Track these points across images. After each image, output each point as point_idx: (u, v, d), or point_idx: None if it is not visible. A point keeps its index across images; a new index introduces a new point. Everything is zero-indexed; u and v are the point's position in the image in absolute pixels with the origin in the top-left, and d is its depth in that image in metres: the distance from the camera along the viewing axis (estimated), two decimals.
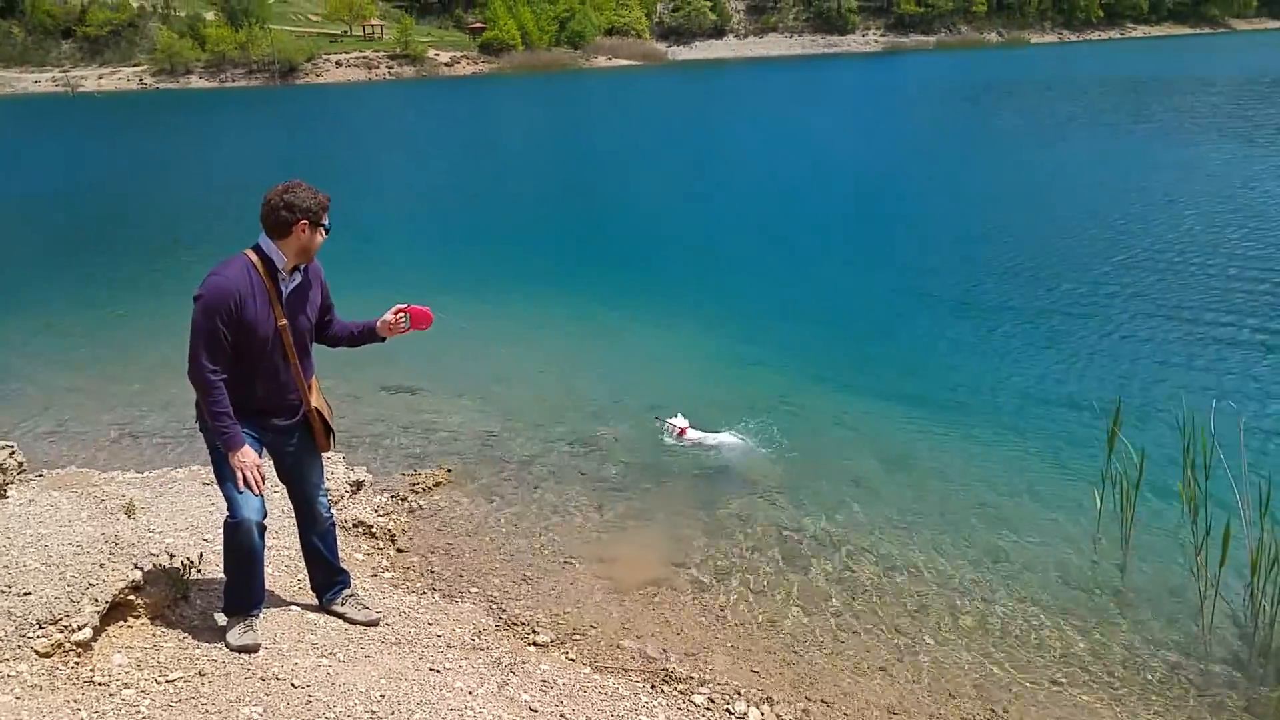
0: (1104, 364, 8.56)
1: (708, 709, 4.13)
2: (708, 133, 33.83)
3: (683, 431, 6.88)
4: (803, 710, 4.16)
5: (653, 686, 4.27)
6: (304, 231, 3.72)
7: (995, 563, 5.42)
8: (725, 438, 6.95)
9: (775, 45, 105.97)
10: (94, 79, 75.42)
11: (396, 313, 3.99)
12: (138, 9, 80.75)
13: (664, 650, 4.58)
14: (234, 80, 77.69)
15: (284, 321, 3.78)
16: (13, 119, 52.06)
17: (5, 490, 5.64)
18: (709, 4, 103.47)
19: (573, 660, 4.46)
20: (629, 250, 14.64)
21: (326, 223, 3.79)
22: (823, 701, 4.22)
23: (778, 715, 4.12)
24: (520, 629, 4.72)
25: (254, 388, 3.82)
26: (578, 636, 4.68)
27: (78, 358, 9.76)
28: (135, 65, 77.89)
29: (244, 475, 3.72)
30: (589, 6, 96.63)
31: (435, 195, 21.90)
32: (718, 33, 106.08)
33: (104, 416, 7.94)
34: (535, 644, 4.59)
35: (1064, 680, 4.39)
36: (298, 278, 3.84)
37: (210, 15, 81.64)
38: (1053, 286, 11.15)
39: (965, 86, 48.87)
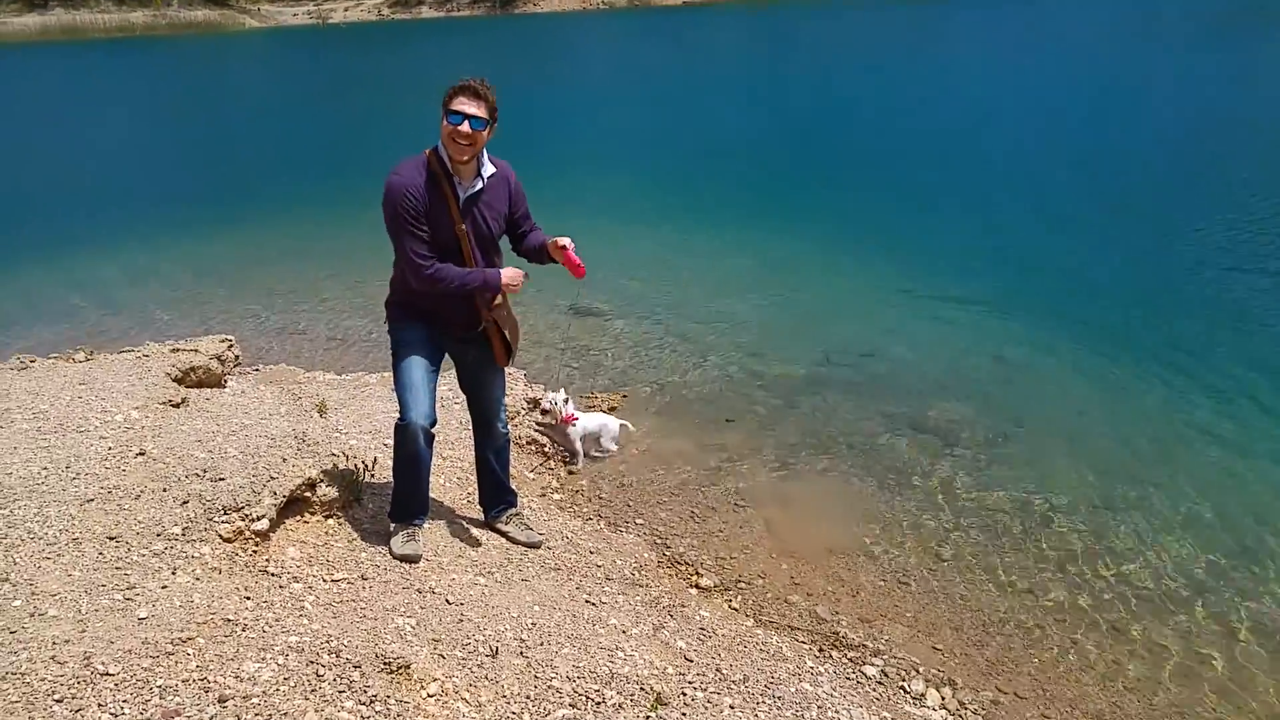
0: None
1: (880, 683, 3.75)
2: (928, 65, 31.40)
3: (570, 419, 5.52)
4: (991, 701, 3.68)
5: (820, 650, 3.93)
6: (443, 122, 3.54)
7: (1255, 564, 4.56)
8: (609, 421, 5.74)
9: None
10: (340, 11, 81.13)
11: (558, 245, 3.80)
12: None
13: (836, 612, 4.21)
14: (459, 10, 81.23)
15: (462, 226, 3.65)
16: (275, 47, 56.95)
17: (224, 380, 6.09)
18: None
19: (735, 610, 4.19)
20: (832, 188, 13.79)
21: (456, 108, 3.51)
22: (1016, 695, 3.71)
23: (961, 702, 3.66)
24: (683, 569, 4.49)
25: (434, 294, 3.73)
26: (743, 585, 4.39)
27: (300, 260, 10.46)
28: None
29: (520, 280, 3.75)
30: None
31: (639, 121, 21.72)
32: None
33: (316, 319, 8.47)
34: (697, 587, 4.36)
35: None
36: (478, 183, 3.68)
37: None
38: None
39: (1240, 10, 42.28)
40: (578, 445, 5.53)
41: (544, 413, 5.53)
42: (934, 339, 7.52)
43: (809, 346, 7.42)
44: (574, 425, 5.51)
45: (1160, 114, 18.41)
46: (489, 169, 3.71)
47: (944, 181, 13.70)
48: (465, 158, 3.57)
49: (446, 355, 3.97)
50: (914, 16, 55.73)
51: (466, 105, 3.51)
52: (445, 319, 3.83)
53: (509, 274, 3.72)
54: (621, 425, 5.78)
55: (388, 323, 3.89)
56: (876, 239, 10.59)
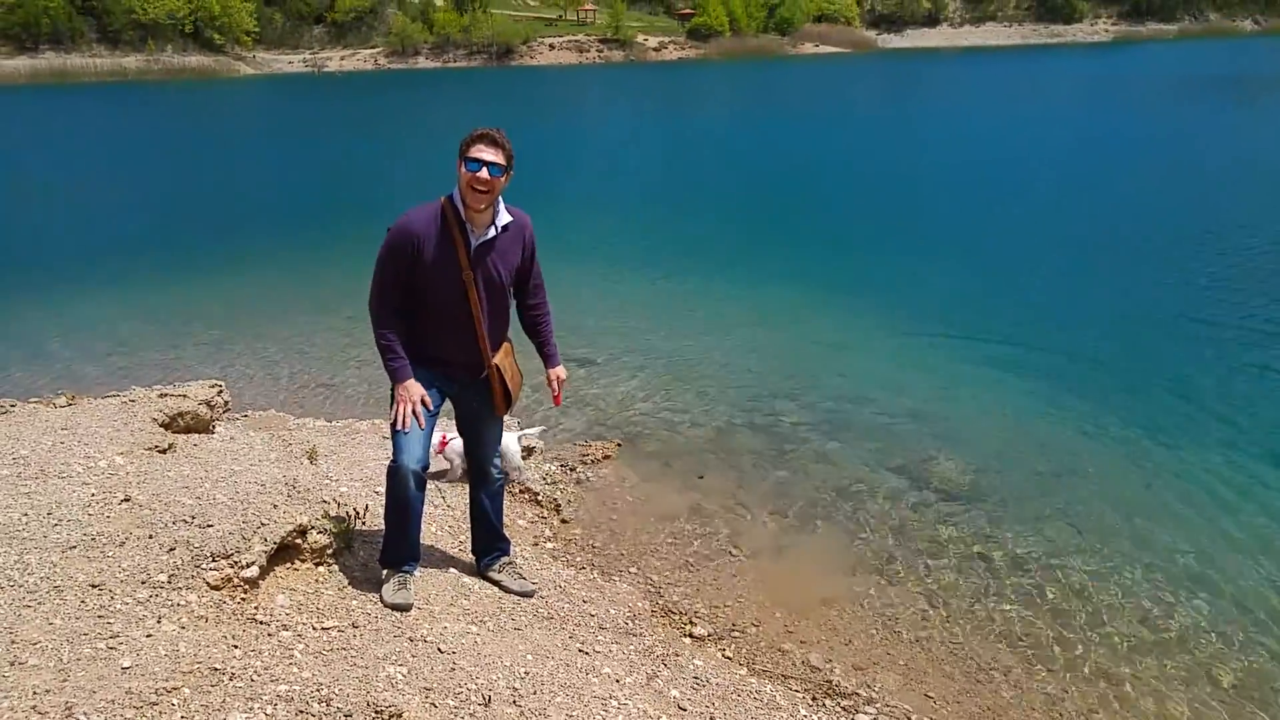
0: None
1: None
2: (909, 123, 32.04)
3: (444, 443, 5.21)
4: None
5: (814, 699, 3.89)
6: (460, 168, 3.59)
7: (1250, 613, 4.56)
8: (508, 443, 5.13)
9: (993, 35, 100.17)
10: (336, 60, 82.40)
11: (553, 379, 4.07)
12: None
13: (829, 661, 4.17)
14: (455, 61, 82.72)
15: (469, 273, 3.67)
16: (271, 94, 57.65)
17: (213, 426, 6.03)
18: None
19: (729, 659, 4.15)
20: (820, 239, 13.92)
21: (474, 155, 3.55)
22: None
23: None
24: (677, 618, 4.45)
25: (439, 339, 3.78)
26: (737, 634, 4.35)
27: (292, 306, 10.44)
28: (372, 47, 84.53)
29: (402, 410, 3.69)
30: None
31: (631, 173, 22.00)
32: (931, 21, 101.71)
33: (307, 365, 8.44)
34: (691, 636, 4.31)
35: None
36: (491, 232, 3.71)
37: (440, 0, 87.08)
38: None
39: (1217, 80, 43.44)
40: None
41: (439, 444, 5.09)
42: (926, 387, 7.56)
43: (802, 394, 7.44)
44: (449, 449, 5.25)
45: (1167, 169, 18.78)
46: (505, 218, 3.74)
47: (938, 230, 13.92)
48: (482, 205, 3.62)
49: (446, 402, 3.97)
50: (909, 70, 57.01)
51: (484, 152, 3.56)
52: (450, 363, 3.84)
53: (411, 388, 3.69)
54: (525, 445, 5.51)
55: None
56: (869, 287, 10.72)
